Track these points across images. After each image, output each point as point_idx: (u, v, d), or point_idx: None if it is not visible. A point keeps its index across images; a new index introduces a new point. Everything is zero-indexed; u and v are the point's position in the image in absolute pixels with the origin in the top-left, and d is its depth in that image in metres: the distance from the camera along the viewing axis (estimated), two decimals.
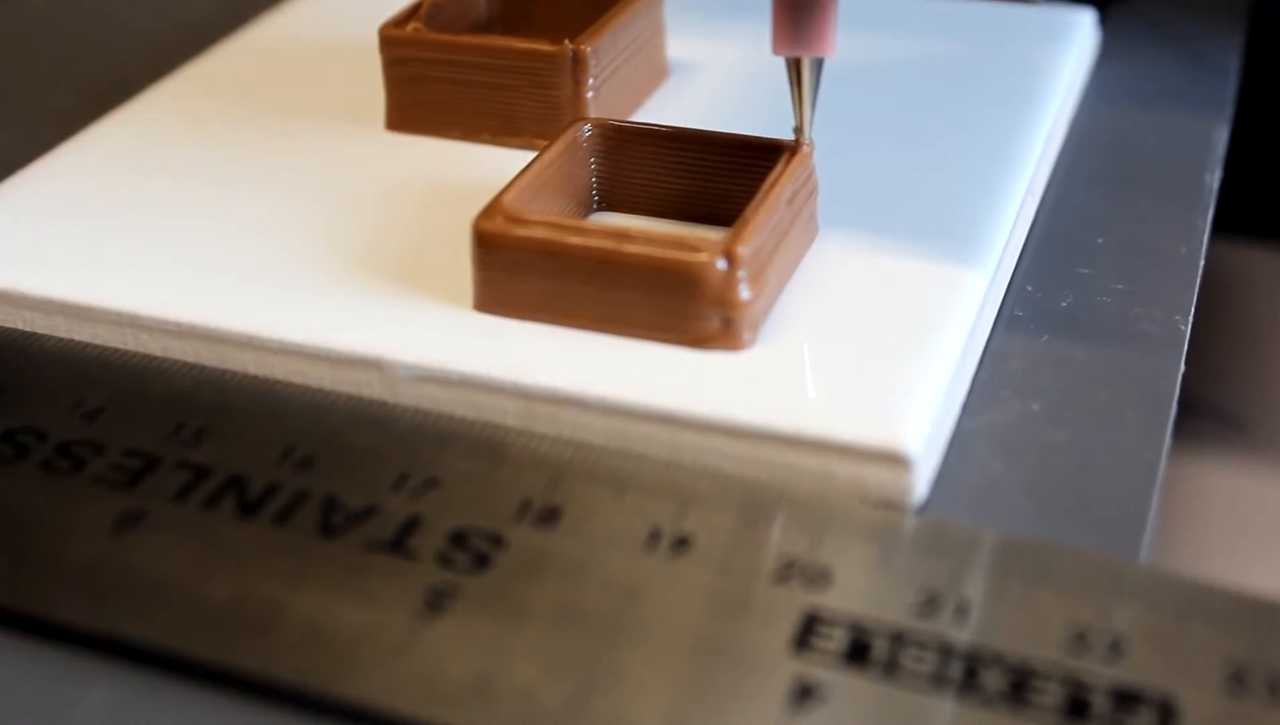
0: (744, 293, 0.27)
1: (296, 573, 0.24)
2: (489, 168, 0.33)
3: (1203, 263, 0.32)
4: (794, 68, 0.29)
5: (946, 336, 0.27)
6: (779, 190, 0.28)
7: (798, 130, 0.29)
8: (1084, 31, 0.39)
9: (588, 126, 0.31)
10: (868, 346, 0.27)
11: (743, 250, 0.27)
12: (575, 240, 0.27)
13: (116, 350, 0.29)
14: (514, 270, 0.28)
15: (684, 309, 0.27)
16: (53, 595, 0.24)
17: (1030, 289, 0.31)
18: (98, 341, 0.30)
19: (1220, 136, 0.36)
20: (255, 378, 0.28)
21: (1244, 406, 0.48)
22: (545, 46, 0.33)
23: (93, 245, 0.31)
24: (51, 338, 0.30)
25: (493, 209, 0.28)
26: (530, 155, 0.33)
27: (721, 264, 0.27)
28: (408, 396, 0.27)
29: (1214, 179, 0.35)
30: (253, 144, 0.35)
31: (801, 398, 0.26)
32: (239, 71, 0.38)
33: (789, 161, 0.29)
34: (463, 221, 0.31)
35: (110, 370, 0.29)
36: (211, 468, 0.26)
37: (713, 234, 0.28)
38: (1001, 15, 0.40)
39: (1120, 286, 0.31)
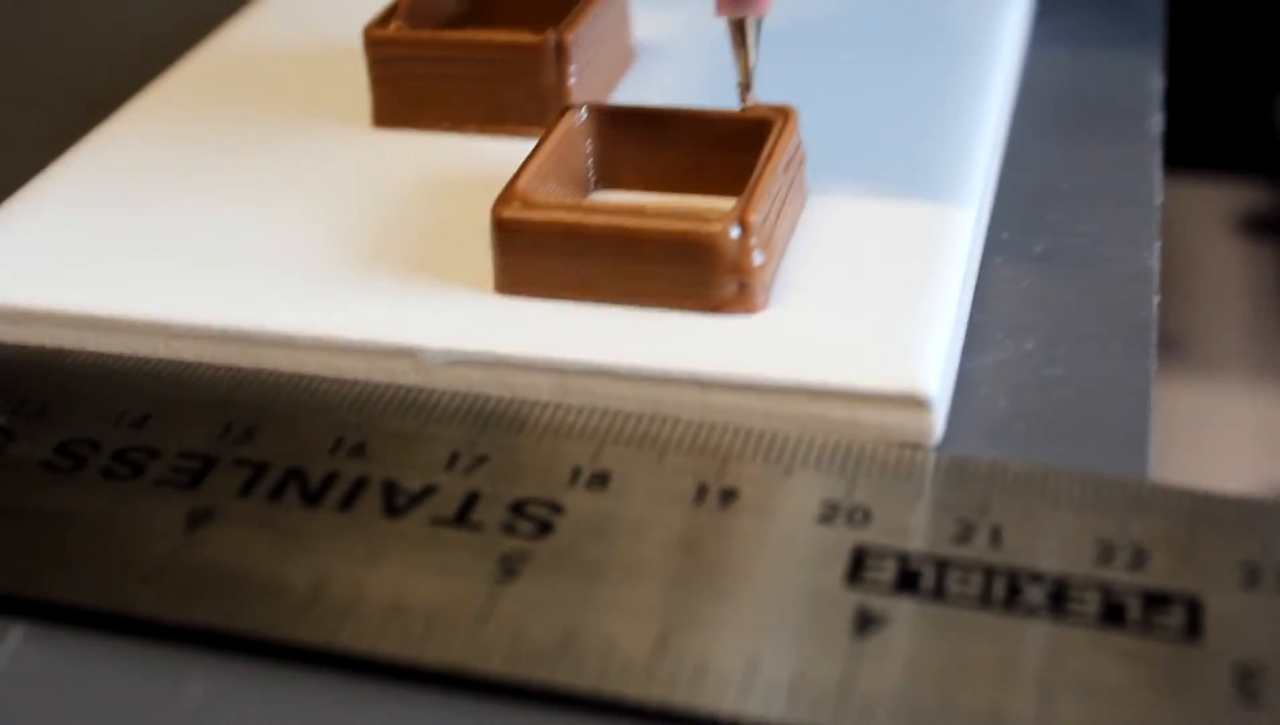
0: (757, 257, 0.28)
1: (370, 552, 0.25)
2: (480, 157, 0.34)
3: (1160, 201, 0.34)
4: (736, 29, 0.31)
5: (944, 284, 0.29)
6: (777, 158, 0.30)
7: (742, 87, 0.31)
8: None
9: (584, 111, 0.32)
10: (872, 299, 0.29)
11: (754, 217, 0.28)
12: (594, 219, 0.29)
13: (149, 359, 0.30)
14: (535, 252, 0.29)
15: (701, 277, 0.28)
16: (140, 592, 0.25)
17: (1006, 236, 0.33)
18: (128, 352, 0.31)
19: (1156, 82, 0.39)
20: (292, 375, 0.29)
21: (1180, 327, 0.50)
22: (529, 37, 0.34)
23: (110, 259, 0.32)
24: (83, 352, 0.31)
25: (509, 195, 0.29)
26: (516, 143, 0.35)
27: (735, 232, 0.28)
28: (442, 381, 0.29)
29: (1157, 123, 0.37)
30: (245, 149, 0.36)
31: (821, 352, 0.28)
32: (215, 80, 0.39)
33: (782, 131, 0.31)
34: (466, 209, 0.32)
35: (148, 379, 0.30)
36: (268, 463, 0.27)
37: (717, 205, 0.30)
38: None
39: (1088, 228, 0.33)
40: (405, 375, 0.29)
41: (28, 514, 0.27)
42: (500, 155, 0.34)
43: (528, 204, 0.29)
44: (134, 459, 0.28)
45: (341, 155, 0.35)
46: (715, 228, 0.28)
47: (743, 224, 0.28)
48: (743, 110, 0.32)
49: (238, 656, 0.24)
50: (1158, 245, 0.32)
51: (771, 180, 0.29)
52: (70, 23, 0.47)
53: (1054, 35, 0.41)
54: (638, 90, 0.37)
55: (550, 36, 0.34)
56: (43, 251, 0.32)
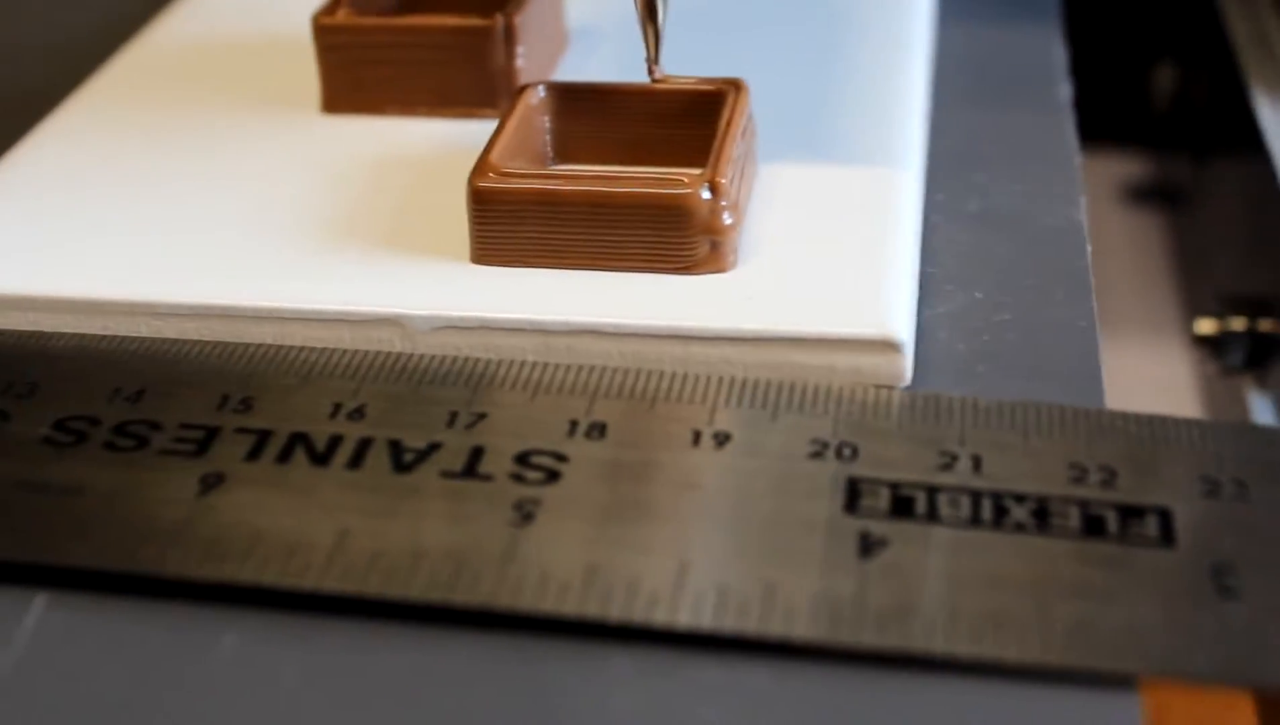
0: (726, 218, 0.30)
1: (387, 505, 0.26)
2: (433, 138, 0.36)
3: (1079, 161, 0.36)
4: (644, 5, 0.32)
5: (900, 238, 0.31)
6: (735, 125, 0.31)
7: (650, 61, 0.33)
8: None
9: (541, 89, 0.33)
10: (833, 255, 0.31)
11: (722, 180, 0.30)
12: (569, 187, 0.30)
13: (134, 338, 0.31)
14: (512, 221, 0.30)
15: (675, 238, 0.30)
16: (162, 554, 0.26)
17: (941, 197, 0.35)
18: (109, 332, 0.31)
19: (1059, 53, 0.41)
20: (278, 347, 0.30)
21: None
22: (479, 21, 0.35)
23: (81, 242, 0.32)
24: (64, 334, 0.31)
25: (483, 167, 0.31)
26: (466, 124, 0.36)
27: (705, 194, 0.30)
28: (429, 346, 0.30)
29: (1065, 90, 0.39)
30: (198, 136, 0.36)
31: (793, 304, 0.29)
32: (156, 72, 0.40)
33: (736, 101, 0.32)
34: (431, 187, 0.33)
35: (135, 357, 0.30)
36: (271, 430, 0.28)
37: (678, 173, 0.31)
38: None
39: (1016, 188, 0.35)
40: (391, 343, 0.30)
41: (35, 487, 0.27)
42: (452, 135, 0.36)
43: (502, 175, 0.30)
44: (136, 432, 0.28)
45: (296, 139, 0.36)
46: (687, 190, 0.30)
47: (713, 186, 0.30)
48: (658, 81, 0.33)
49: (266, 609, 0.25)
50: (1084, 200, 0.35)
51: (734, 145, 0.31)
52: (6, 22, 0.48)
53: (957, 9, 0.43)
54: (576, 71, 0.38)
55: (499, 20, 0.35)
56: (11, 237, 0.33)
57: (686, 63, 0.34)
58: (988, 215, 0.34)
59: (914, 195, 0.33)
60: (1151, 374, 0.44)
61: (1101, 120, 0.48)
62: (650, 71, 0.33)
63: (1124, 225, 0.37)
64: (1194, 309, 0.50)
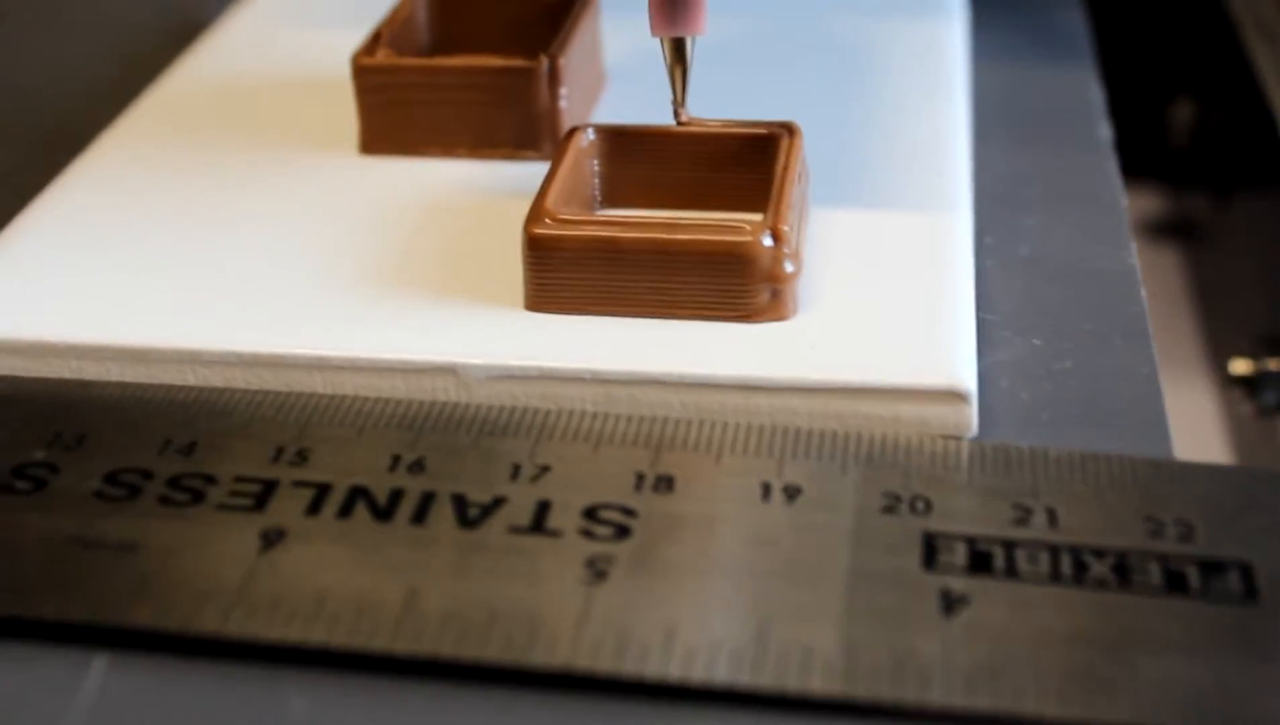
0: (788, 266, 0.30)
1: (455, 564, 0.26)
2: (475, 180, 0.35)
3: (1125, 203, 0.36)
4: (673, 48, 0.32)
5: (959, 285, 0.31)
6: (792, 170, 0.31)
7: (677, 104, 0.33)
8: (959, 2, 0.43)
9: (590, 131, 0.33)
10: (892, 302, 0.30)
11: (784, 227, 0.29)
12: (630, 233, 0.30)
13: (181, 387, 0.30)
14: (568, 268, 0.30)
15: (736, 286, 0.29)
16: (224, 613, 0.25)
17: (990, 241, 0.34)
18: (153, 381, 0.30)
19: (1095, 92, 0.41)
20: (331, 397, 0.30)
21: None
22: (523, 61, 0.35)
23: (122, 286, 0.32)
24: (109, 383, 0.30)
25: (539, 214, 0.30)
26: (508, 166, 0.36)
27: (768, 241, 0.29)
28: (484, 396, 0.29)
29: (1105, 130, 0.39)
30: (234, 178, 0.36)
31: (856, 353, 0.29)
32: (185, 111, 0.39)
33: (791, 145, 0.32)
34: (477, 231, 0.33)
35: (185, 407, 0.30)
36: (330, 483, 0.27)
37: (731, 219, 0.31)
38: None
39: (1064, 231, 0.35)
40: (445, 392, 0.30)
41: (89, 543, 0.26)
42: (495, 178, 0.35)
43: (559, 221, 0.30)
44: (190, 486, 0.28)
45: (335, 182, 0.35)
46: (750, 237, 0.29)
47: (774, 233, 0.29)
48: (684, 124, 0.33)
49: (333, 671, 0.25)
50: (1133, 245, 0.34)
51: (793, 191, 0.31)
52: (11, 65, 0.47)
53: (989, 50, 0.43)
54: (615, 112, 0.38)
55: (544, 60, 0.35)
56: (48, 282, 0.32)
57: (720, 106, 0.33)
58: (1039, 259, 0.34)
59: (967, 240, 0.32)
60: (1178, 412, 0.44)
61: (1119, 156, 0.48)
62: (676, 115, 0.33)
63: (1142, 261, 0.36)
64: (1216, 347, 0.50)
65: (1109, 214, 0.36)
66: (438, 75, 0.35)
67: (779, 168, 0.31)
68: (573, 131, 0.33)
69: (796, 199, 0.31)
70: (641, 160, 0.33)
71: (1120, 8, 0.46)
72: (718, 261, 0.29)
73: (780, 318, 0.30)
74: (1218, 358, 0.47)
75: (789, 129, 0.32)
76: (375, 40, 0.36)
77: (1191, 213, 0.53)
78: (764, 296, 0.30)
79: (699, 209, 0.33)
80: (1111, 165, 0.37)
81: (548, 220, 0.30)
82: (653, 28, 0.32)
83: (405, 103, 0.36)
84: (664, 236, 0.29)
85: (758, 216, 0.30)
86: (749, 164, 0.32)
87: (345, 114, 0.38)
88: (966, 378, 0.28)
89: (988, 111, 0.40)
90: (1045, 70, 0.42)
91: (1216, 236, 0.51)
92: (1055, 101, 0.41)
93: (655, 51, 0.40)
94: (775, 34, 0.41)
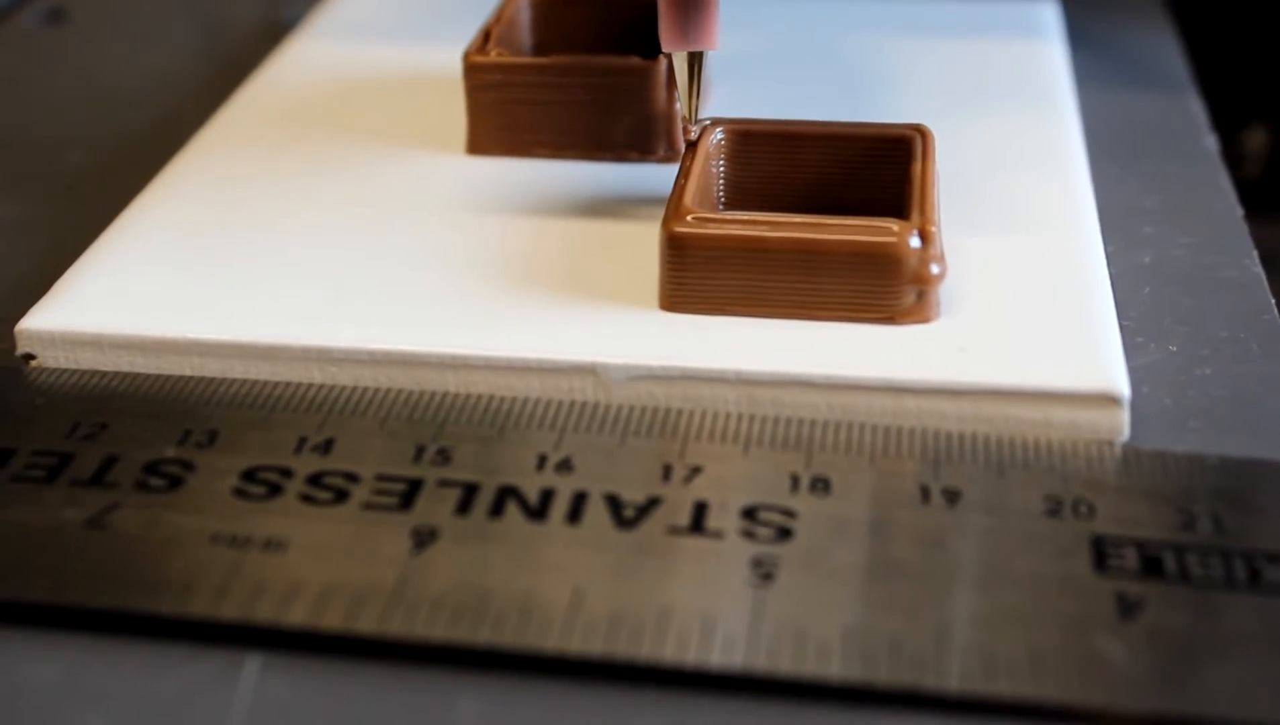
0: (935, 268, 0.29)
1: (619, 563, 0.25)
2: (589, 180, 0.35)
3: (1241, 213, 0.36)
4: (687, 62, 0.32)
5: (1098, 289, 0.30)
6: (931, 171, 0.31)
7: (685, 119, 0.32)
8: (1055, 22, 0.43)
9: (719, 131, 0.32)
10: (1035, 306, 0.30)
11: (931, 228, 0.29)
12: (774, 233, 0.29)
13: (310, 384, 0.30)
14: (709, 268, 0.29)
15: (882, 287, 0.29)
16: (385, 613, 0.24)
17: (1112, 250, 0.34)
18: (278, 378, 0.30)
19: (1197, 107, 0.41)
20: (466, 396, 0.29)
21: None
22: (640, 61, 0.34)
23: (245, 286, 0.31)
24: (235, 380, 0.30)
25: (679, 212, 0.30)
26: (619, 167, 0.35)
27: (915, 242, 0.29)
28: (624, 397, 0.29)
29: (1212, 143, 0.39)
30: (346, 178, 0.35)
31: (1006, 356, 0.28)
32: (280, 112, 0.39)
33: (926, 147, 0.31)
34: (601, 230, 0.32)
35: (316, 404, 0.29)
36: (477, 482, 0.27)
37: (869, 220, 0.30)
38: (966, 13, 0.43)
39: (1185, 240, 0.34)
40: (584, 392, 0.29)
41: (233, 542, 0.26)
42: (608, 178, 0.35)
43: (700, 220, 0.30)
44: (332, 484, 0.27)
45: (445, 182, 0.35)
46: (896, 238, 0.29)
47: (922, 234, 0.29)
48: (689, 139, 0.32)
49: (499, 672, 0.24)
50: (1256, 253, 0.34)
51: (935, 192, 0.30)
52: (96, 65, 0.46)
53: (1086, 71, 0.43)
54: (724, 112, 0.37)
55: (662, 60, 0.34)
56: (171, 281, 0.31)
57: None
58: (1162, 268, 0.33)
59: (1099, 246, 0.32)
60: None
61: None
62: (685, 131, 0.32)
63: None
64: None
65: (1226, 222, 0.35)
66: (552, 74, 0.35)
67: (917, 169, 0.31)
68: (704, 129, 0.32)
69: (937, 201, 0.30)
70: (769, 160, 0.33)
71: (1191, 40, 0.46)
72: (864, 262, 0.29)
73: (924, 320, 0.29)
74: None
75: (920, 131, 0.32)
76: (485, 38, 0.36)
77: (1267, 243, 0.53)
78: (909, 298, 0.29)
79: (829, 211, 0.33)
80: (1222, 175, 0.37)
81: (690, 218, 0.30)
82: (664, 42, 0.32)
83: (516, 102, 0.35)
84: (810, 236, 0.29)
85: (891, 220, 0.29)
86: (877, 166, 0.32)
87: (443, 114, 0.37)
88: (1120, 381, 0.28)
89: (1090, 126, 0.40)
90: (1143, 87, 0.42)
91: None
92: (1157, 116, 0.40)
93: (753, 55, 0.40)
94: (880, 50, 0.41)
